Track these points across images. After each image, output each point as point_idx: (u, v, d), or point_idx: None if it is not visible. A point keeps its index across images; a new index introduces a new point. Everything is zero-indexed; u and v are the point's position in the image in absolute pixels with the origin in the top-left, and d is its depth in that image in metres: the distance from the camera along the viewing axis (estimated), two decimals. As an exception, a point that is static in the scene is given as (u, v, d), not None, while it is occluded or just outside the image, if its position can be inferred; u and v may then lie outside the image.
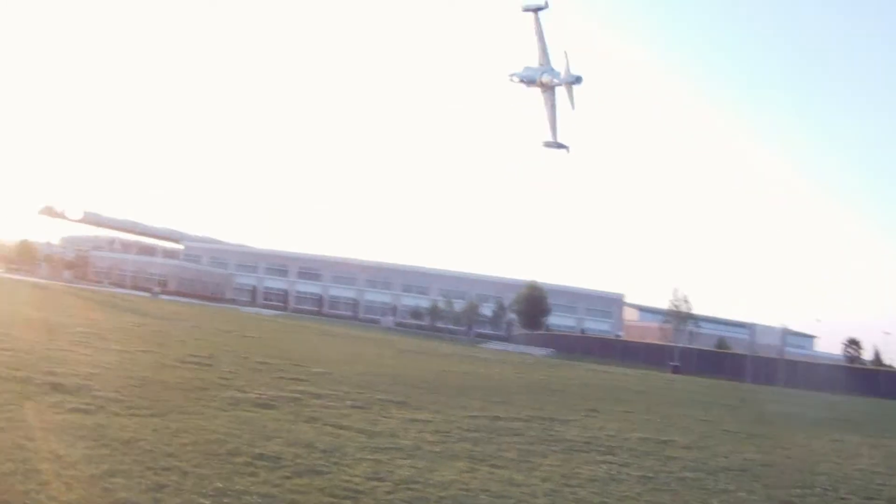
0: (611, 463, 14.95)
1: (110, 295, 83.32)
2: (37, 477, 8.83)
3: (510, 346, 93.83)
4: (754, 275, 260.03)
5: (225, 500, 9.13)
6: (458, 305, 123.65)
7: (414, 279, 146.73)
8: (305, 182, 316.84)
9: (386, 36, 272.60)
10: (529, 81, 74.55)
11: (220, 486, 9.66)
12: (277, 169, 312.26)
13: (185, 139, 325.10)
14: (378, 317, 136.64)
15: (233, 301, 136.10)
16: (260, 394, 18.39)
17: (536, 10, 71.68)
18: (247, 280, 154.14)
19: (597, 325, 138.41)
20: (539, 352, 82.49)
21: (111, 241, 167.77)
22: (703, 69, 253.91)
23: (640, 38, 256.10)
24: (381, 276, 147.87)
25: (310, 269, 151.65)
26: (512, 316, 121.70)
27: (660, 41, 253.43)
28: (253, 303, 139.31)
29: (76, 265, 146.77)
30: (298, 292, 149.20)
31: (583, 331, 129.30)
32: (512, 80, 75.65)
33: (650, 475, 14.05)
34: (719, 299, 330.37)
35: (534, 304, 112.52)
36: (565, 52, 72.65)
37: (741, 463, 16.76)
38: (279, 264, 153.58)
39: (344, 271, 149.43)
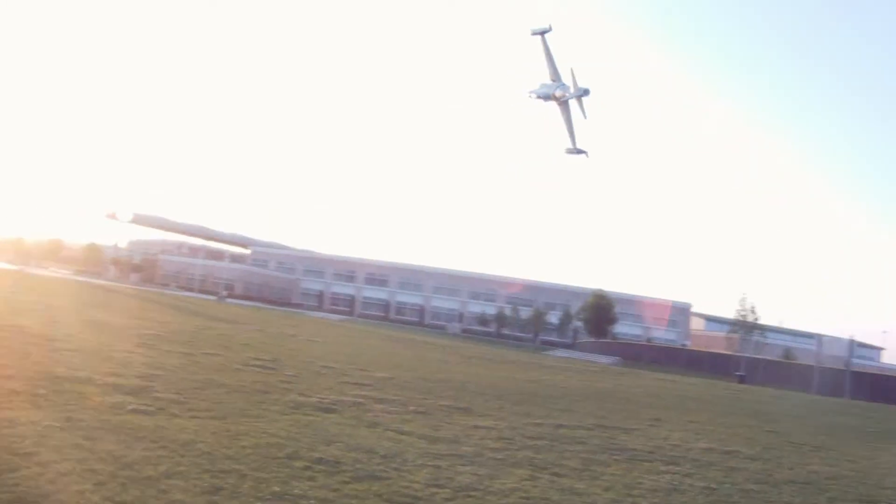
0: (674, 473, 14.55)
1: (177, 298, 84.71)
2: (93, 477, 8.77)
3: (576, 354, 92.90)
4: (822, 285, 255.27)
5: (280, 504, 8.99)
6: (525, 313, 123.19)
7: (481, 286, 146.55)
8: (373, 188, 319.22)
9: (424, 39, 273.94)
10: (545, 97, 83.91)
11: (278, 489, 9.53)
12: (344, 175, 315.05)
13: (253, 145, 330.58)
14: (444, 323, 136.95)
15: (299, 306, 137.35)
16: (322, 398, 18.33)
17: (542, 33, 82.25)
18: (314, 285, 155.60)
19: (664, 335, 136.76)
20: (604, 360, 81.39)
21: (179, 245, 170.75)
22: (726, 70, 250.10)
23: (648, 42, 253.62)
24: (449, 282, 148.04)
25: (377, 274, 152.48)
26: (578, 324, 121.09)
27: (668, 44, 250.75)
28: (320, 307, 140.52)
29: (144, 268, 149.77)
30: (365, 298, 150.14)
31: (649, 339, 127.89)
32: (530, 97, 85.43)
33: (713, 486, 13.60)
34: (786, 309, 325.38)
35: (600, 312, 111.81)
36: (571, 70, 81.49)
37: (806, 475, 16.13)
38: (346, 270, 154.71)
39: (411, 277, 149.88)
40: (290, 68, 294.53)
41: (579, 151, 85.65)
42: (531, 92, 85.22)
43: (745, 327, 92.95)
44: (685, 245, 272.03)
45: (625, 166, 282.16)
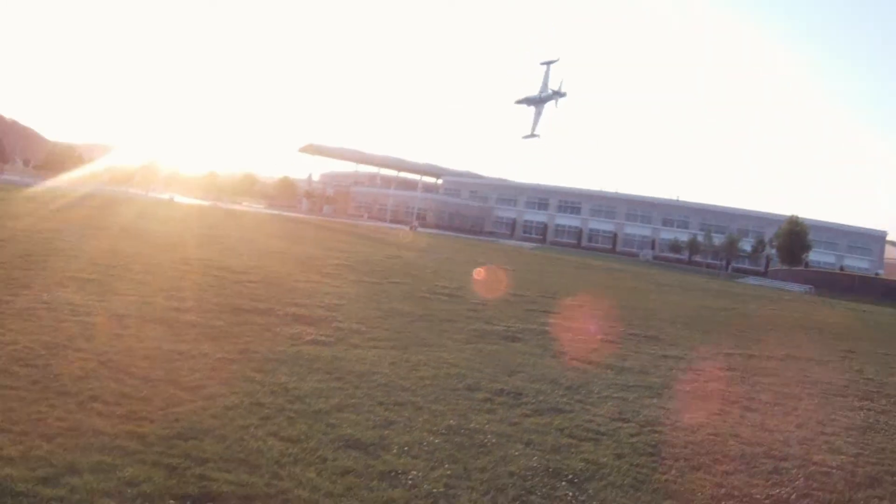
0: (868, 410, 13.54)
1: (368, 229, 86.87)
2: (259, 411, 8.70)
3: (767, 282, 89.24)
4: None
5: (456, 439, 8.63)
6: (717, 240, 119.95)
7: (673, 212, 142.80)
8: (565, 112, 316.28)
9: None
10: (528, 103, 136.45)
11: (453, 423, 9.20)
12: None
13: (442, 75, 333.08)
14: (636, 250, 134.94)
15: (492, 234, 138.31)
16: (507, 326, 18.04)
17: (549, 63, 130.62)
18: (506, 213, 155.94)
19: (857, 263, 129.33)
20: (797, 288, 77.34)
21: (372, 177, 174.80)
22: None
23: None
24: (641, 209, 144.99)
25: (569, 202, 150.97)
26: (771, 251, 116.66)
27: None
28: (512, 236, 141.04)
29: (336, 200, 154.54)
30: (557, 225, 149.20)
31: (842, 268, 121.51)
32: (518, 104, 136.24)
33: (909, 424, 12.40)
34: None
35: (794, 239, 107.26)
36: (561, 81, 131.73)
37: None
38: (539, 197, 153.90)
39: (603, 204, 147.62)
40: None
41: (533, 136, 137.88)
42: (517, 101, 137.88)
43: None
44: (880, 171, 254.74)
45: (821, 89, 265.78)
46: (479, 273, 35.14)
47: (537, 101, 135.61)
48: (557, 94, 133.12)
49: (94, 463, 6.65)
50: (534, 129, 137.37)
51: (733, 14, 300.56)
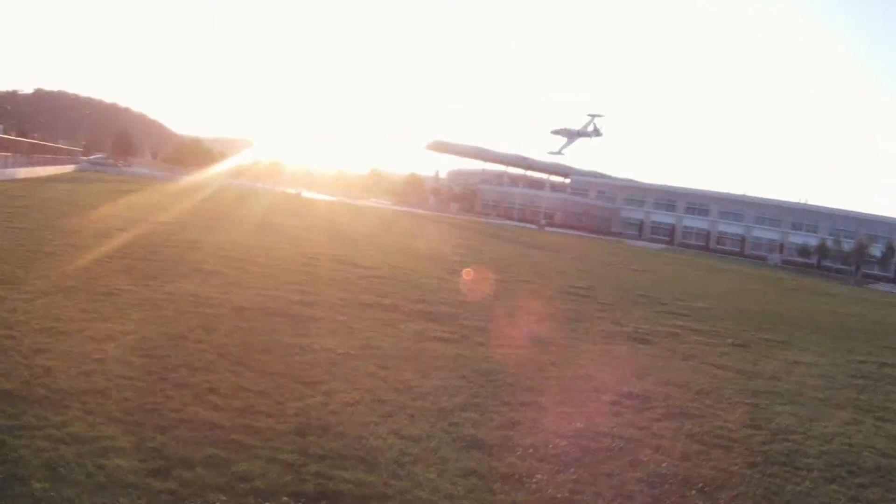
0: None
1: (496, 227, 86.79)
2: (380, 408, 8.56)
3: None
4: None
5: (583, 443, 8.31)
6: (847, 245, 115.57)
7: (802, 217, 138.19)
8: (680, 112, 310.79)
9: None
10: (565, 135, 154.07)
11: (580, 426, 8.88)
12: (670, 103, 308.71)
13: (575, 73, 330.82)
14: (765, 254, 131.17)
15: (619, 235, 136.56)
16: (636, 327, 17.59)
17: (595, 116, 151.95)
18: (634, 214, 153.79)
19: None
20: None
21: (499, 175, 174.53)
22: None
23: None
24: (770, 212, 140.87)
25: (698, 203, 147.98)
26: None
27: None
28: (640, 237, 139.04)
29: (463, 198, 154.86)
30: (685, 227, 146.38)
31: None
32: (554, 134, 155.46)
33: None
34: None
35: None
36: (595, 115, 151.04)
37: None
38: (667, 199, 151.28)
39: (732, 207, 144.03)
40: None
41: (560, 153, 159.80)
42: (553, 132, 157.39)
43: None
44: None
45: None
46: (604, 273, 34.56)
47: (574, 135, 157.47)
48: (596, 134, 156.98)
49: (207, 456, 6.57)
50: (561, 150, 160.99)
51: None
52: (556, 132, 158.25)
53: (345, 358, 10.66)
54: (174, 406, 7.71)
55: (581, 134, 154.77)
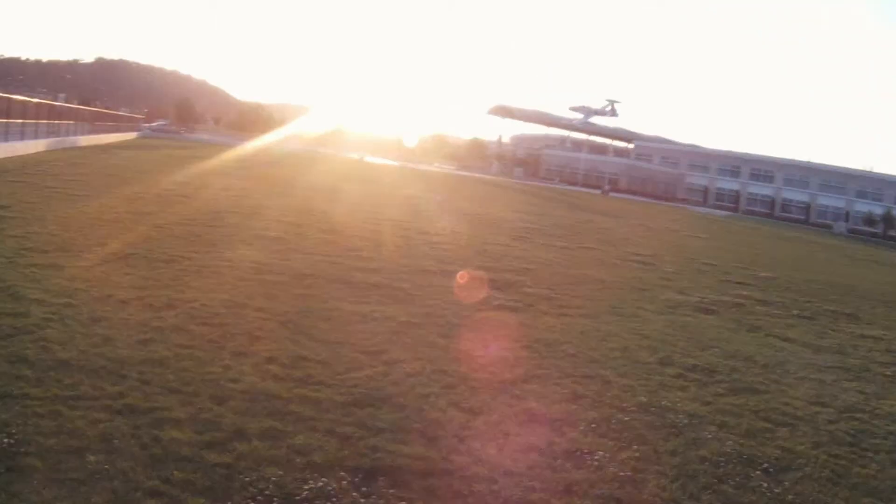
0: None
1: (560, 192, 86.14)
2: (442, 379, 8.51)
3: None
4: None
5: (646, 418, 8.18)
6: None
7: (869, 184, 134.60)
8: (754, 77, 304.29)
9: None
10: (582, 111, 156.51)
11: (644, 400, 8.74)
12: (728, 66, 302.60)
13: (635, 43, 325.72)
14: (830, 222, 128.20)
15: (684, 201, 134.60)
16: (701, 297, 17.28)
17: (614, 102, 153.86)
18: (698, 180, 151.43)
19: None
20: None
21: (562, 140, 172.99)
22: None
23: None
24: (835, 180, 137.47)
25: (762, 170, 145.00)
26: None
27: None
28: (704, 203, 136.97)
29: (527, 163, 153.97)
30: (750, 194, 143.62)
31: None
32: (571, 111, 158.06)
33: None
34: None
35: None
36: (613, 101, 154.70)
37: None
38: (731, 165, 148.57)
39: (797, 174, 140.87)
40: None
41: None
42: (572, 108, 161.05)
43: None
44: None
45: None
46: (669, 241, 34.09)
47: (591, 113, 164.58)
48: (612, 114, 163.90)
49: (265, 429, 6.55)
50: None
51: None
52: (574, 109, 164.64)
53: (406, 326, 10.65)
54: (232, 376, 7.74)
55: (598, 113, 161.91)
